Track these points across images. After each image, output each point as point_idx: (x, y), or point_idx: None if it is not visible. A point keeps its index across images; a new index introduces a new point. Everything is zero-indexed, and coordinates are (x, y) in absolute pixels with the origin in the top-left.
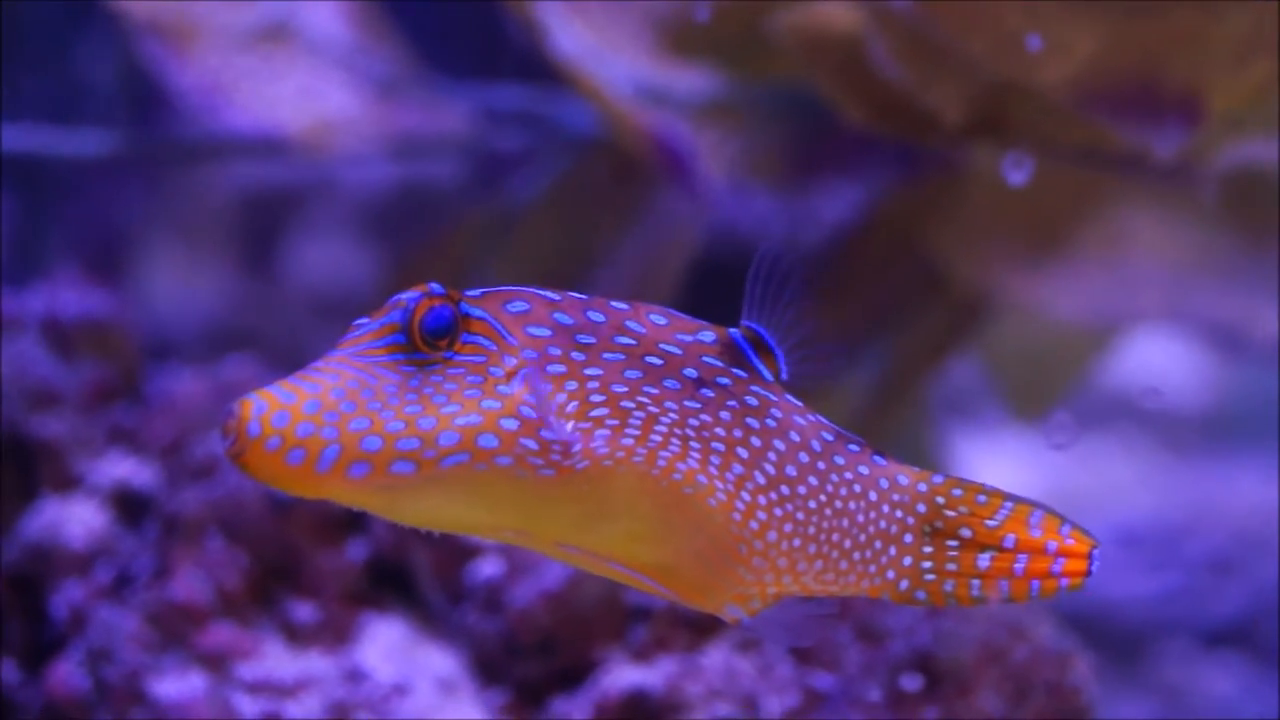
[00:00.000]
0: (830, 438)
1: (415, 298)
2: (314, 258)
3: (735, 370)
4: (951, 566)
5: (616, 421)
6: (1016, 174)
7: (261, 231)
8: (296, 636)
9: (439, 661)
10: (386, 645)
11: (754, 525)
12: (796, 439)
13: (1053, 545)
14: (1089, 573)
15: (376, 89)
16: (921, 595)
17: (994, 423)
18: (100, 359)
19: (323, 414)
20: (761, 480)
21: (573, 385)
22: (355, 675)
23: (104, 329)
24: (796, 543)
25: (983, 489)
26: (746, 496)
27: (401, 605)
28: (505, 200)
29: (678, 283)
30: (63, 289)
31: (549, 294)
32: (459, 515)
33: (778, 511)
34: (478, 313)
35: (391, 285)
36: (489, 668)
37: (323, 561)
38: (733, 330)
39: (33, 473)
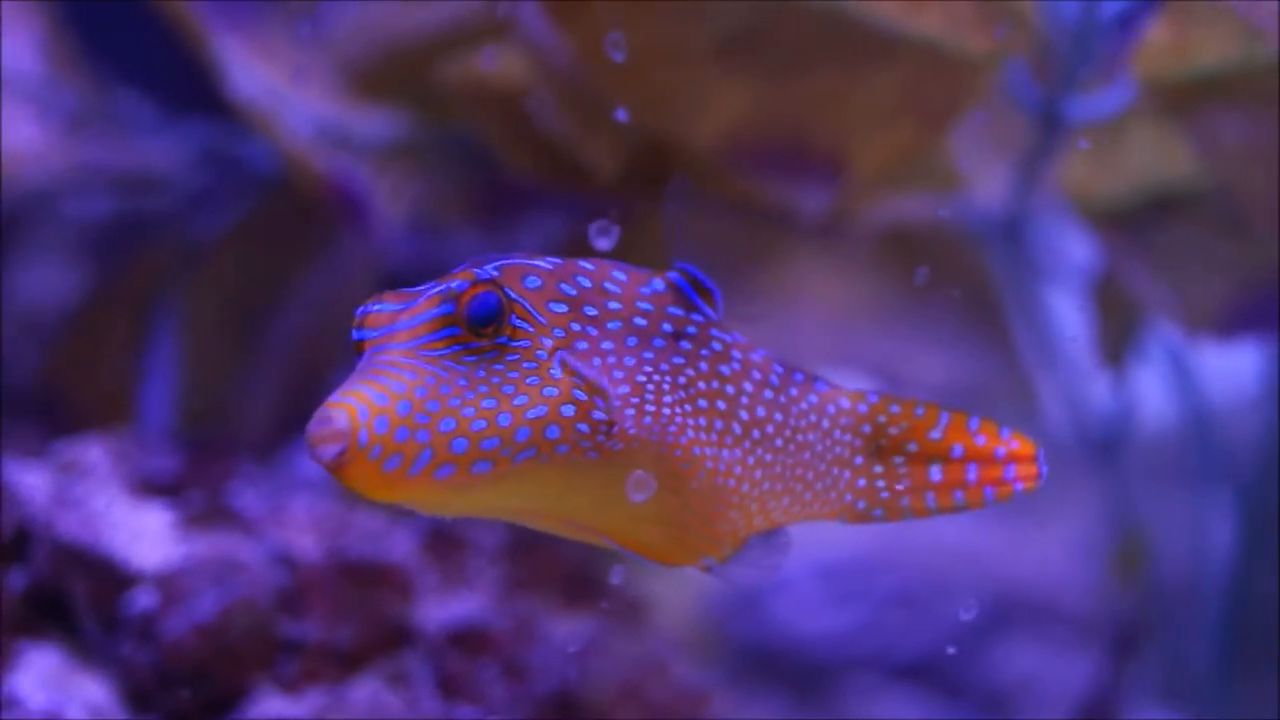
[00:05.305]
0: (781, 370)
1: (461, 286)
2: (26, 281)
3: (694, 315)
4: (904, 483)
5: (638, 399)
6: (603, 241)
7: None
8: None
9: (91, 690)
10: (41, 673)
11: (731, 482)
12: (758, 377)
13: (1001, 451)
14: (1041, 475)
15: (65, 122)
16: (879, 513)
17: None
18: None
19: (414, 416)
20: (738, 430)
21: (597, 362)
22: (8, 703)
23: None
24: (767, 486)
25: (918, 402)
26: (725, 454)
27: (58, 634)
28: (193, 236)
29: None
30: None
31: (541, 262)
32: (499, 505)
33: (750, 460)
34: (513, 295)
35: (90, 310)
36: (141, 697)
37: None
38: (671, 274)
39: None
